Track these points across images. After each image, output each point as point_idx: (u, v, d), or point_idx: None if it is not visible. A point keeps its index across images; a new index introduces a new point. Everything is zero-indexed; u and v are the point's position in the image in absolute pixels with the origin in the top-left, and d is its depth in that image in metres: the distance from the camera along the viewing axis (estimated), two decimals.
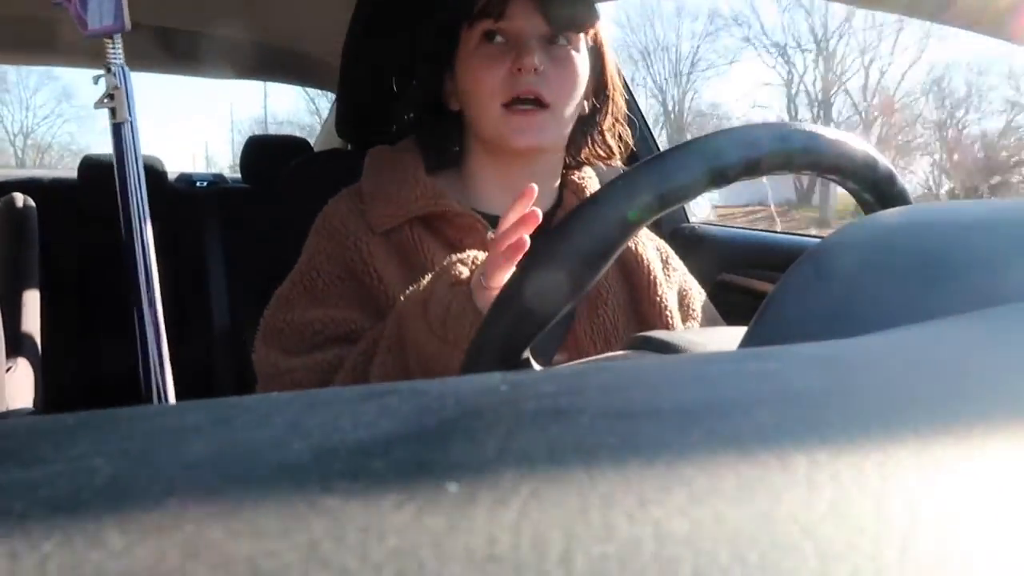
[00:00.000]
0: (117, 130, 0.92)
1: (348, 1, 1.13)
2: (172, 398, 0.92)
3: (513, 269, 0.64)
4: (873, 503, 0.13)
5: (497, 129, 0.78)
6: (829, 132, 0.51)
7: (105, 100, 0.91)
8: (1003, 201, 0.41)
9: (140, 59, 2.22)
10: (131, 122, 0.91)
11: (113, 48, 0.90)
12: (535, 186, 0.65)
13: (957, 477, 0.15)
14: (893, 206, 0.52)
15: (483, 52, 0.79)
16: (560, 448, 0.15)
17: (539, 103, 0.77)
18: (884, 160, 0.53)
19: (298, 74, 2.32)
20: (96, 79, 0.92)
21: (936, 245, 0.36)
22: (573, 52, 0.80)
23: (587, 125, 0.85)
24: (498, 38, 0.78)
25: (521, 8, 0.77)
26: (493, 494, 0.13)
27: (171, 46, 2.02)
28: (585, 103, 0.84)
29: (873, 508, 0.13)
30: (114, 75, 0.90)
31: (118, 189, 0.92)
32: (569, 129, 0.82)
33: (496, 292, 0.64)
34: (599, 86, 0.84)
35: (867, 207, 0.53)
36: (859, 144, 0.51)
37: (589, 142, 0.87)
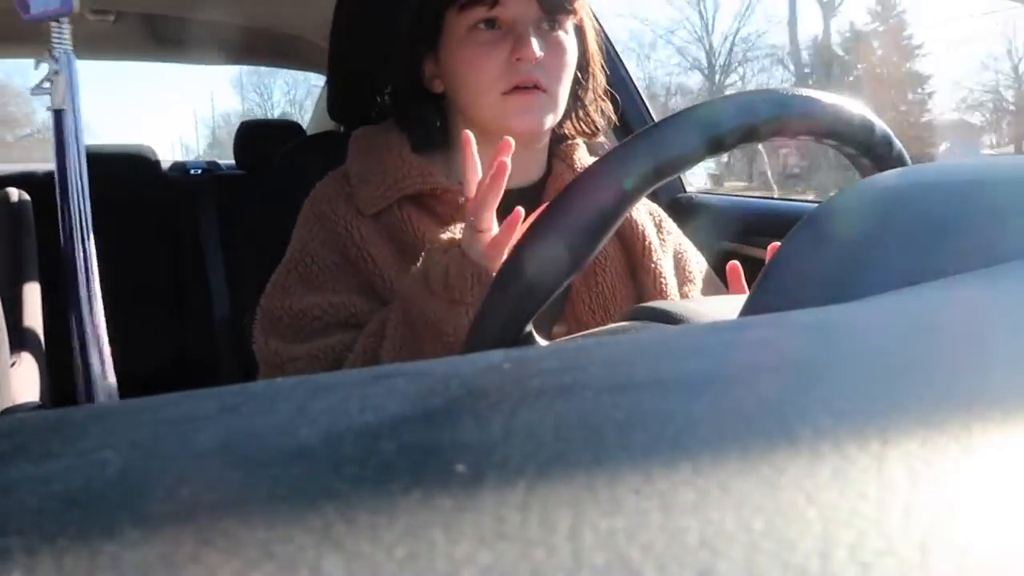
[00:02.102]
0: (58, 117, 0.88)
1: None
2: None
3: (495, 204, 0.66)
4: (875, 468, 0.13)
5: (496, 115, 0.78)
6: (826, 97, 0.50)
7: (45, 85, 0.88)
8: (1000, 158, 0.41)
9: (128, 48, 2.20)
10: (74, 110, 0.88)
11: (58, 32, 0.87)
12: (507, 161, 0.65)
13: (958, 439, 0.15)
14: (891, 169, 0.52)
15: (476, 40, 0.77)
16: (565, 425, 0.15)
17: (537, 88, 0.77)
18: (881, 123, 0.52)
19: (288, 56, 2.31)
20: (37, 63, 0.89)
21: (934, 206, 0.36)
22: (563, 35, 0.79)
23: (571, 102, 0.84)
24: (492, 26, 0.77)
25: None
26: (500, 473, 0.13)
27: (159, 33, 2.00)
28: None
29: (875, 473, 0.13)
30: (56, 60, 0.87)
31: (57, 177, 0.89)
32: (563, 110, 0.82)
33: (487, 234, 0.67)
34: (582, 62, 0.84)
35: (865, 171, 0.53)
36: (856, 108, 0.51)
37: (573, 118, 0.86)
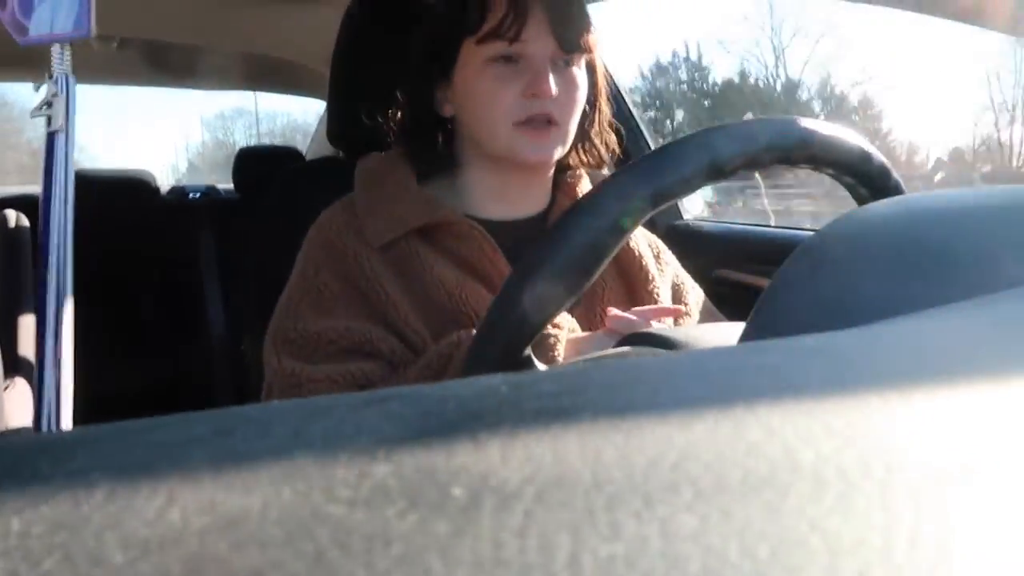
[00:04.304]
0: (51, 140, 0.88)
1: (337, 9, 1.13)
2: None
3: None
4: (879, 495, 0.13)
5: (507, 146, 0.79)
6: (825, 127, 0.51)
7: (44, 107, 0.88)
8: (996, 187, 0.41)
9: (130, 73, 2.22)
10: (67, 132, 0.88)
11: (60, 55, 0.87)
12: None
13: (961, 466, 0.15)
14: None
15: (493, 72, 0.78)
16: (563, 449, 0.15)
17: (550, 123, 0.78)
18: (879, 154, 0.53)
19: (288, 83, 2.33)
20: (37, 86, 0.89)
21: (930, 234, 0.36)
22: (576, 70, 0.81)
23: (577, 133, 0.85)
24: (510, 60, 0.78)
25: (535, 31, 0.77)
26: (498, 498, 0.13)
27: (161, 59, 2.02)
28: None
29: (879, 500, 0.13)
30: (55, 82, 0.88)
31: (41, 200, 0.88)
32: (571, 141, 0.83)
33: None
34: (589, 96, 0.85)
35: (862, 201, 0.54)
36: (854, 138, 0.52)
37: (579, 149, 0.87)
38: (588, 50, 0.81)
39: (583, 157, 0.88)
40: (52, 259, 0.86)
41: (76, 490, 0.14)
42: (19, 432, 1.34)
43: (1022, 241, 0.34)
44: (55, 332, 0.87)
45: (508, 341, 0.47)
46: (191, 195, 2.36)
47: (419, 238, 0.79)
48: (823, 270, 0.36)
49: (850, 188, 0.55)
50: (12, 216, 1.71)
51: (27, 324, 1.61)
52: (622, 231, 0.46)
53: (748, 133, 0.48)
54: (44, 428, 0.86)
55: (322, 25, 1.40)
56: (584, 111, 0.84)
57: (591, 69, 0.85)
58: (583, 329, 0.80)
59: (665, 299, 0.84)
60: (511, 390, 0.19)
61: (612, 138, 0.89)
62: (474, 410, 0.18)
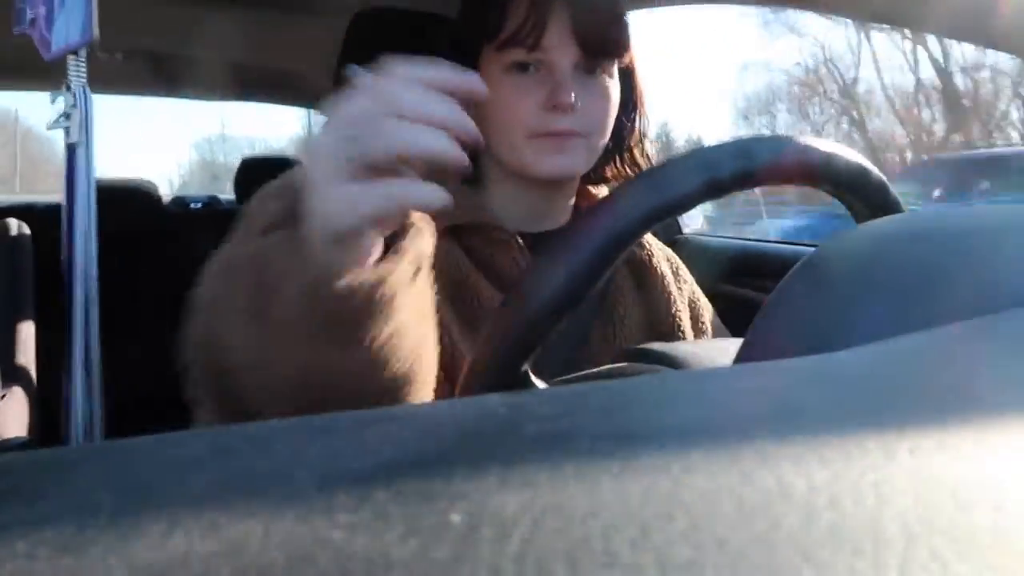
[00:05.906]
0: (70, 152, 0.88)
1: (341, 19, 1.13)
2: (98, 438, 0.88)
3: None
4: (870, 524, 0.13)
5: (522, 157, 0.74)
6: (822, 143, 0.51)
7: (61, 119, 0.87)
8: (995, 207, 0.42)
9: (136, 84, 2.23)
10: (86, 144, 0.87)
11: (76, 66, 0.86)
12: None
13: (953, 494, 0.15)
14: (886, 216, 0.52)
15: (511, 81, 0.73)
16: (561, 475, 0.15)
17: (573, 134, 0.73)
18: (876, 171, 0.53)
19: (291, 94, 2.33)
20: (53, 97, 0.88)
21: (930, 253, 0.36)
22: (607, 79, 0.74)
23: (614, 144, 0.80)
24: (530, 68, 0.72)
25: (557, 38, 0.71)
26: (496, 524, 0.13)
27: (167, 70, 2.03)
28: None
29: (870, 531, 0.13)
30: (72, 94, 0.86)
31: (65, 212, 0.88)
32: (597, 156, 0.77)
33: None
34: (628, 103, 0.79)
35: (860, 218, 0.54)
36: (852, 155, 0.52)
37: (616, 161, 0.82)
38: (617, 56, 0.75)
39: (622, 169, 0.82)
40: (79, 269, 0.86)
41: (80, 512, 0.14)
42: (13, 441, 1.34)
43: (1022, 260, 0.35)
44: (84, 340, 0.87)
45: (509, 349, 0.48)
46: (192, 205, 2.37)
47: (451, 237, 0.74)
48: (821, 288, 0.36)
49: (848, 204, 0.55)
50: (14, 225, 1.71)
51: (26, 333, 1.61)
52: (625, 238, 0.46)
53: (746, 150, 0.49)
54: (74, 438, 0.86)
55: (325, 35, 1.41)
56: (622, 121, 0.78)
57: (630, 73, 0.78)
58: (601, 347, 0.76)
59: (684, 320, 0.80)
60: (509, 412, 0.19)
61: (649, 147, 0.83)
62: (472, 433, 0.18)
